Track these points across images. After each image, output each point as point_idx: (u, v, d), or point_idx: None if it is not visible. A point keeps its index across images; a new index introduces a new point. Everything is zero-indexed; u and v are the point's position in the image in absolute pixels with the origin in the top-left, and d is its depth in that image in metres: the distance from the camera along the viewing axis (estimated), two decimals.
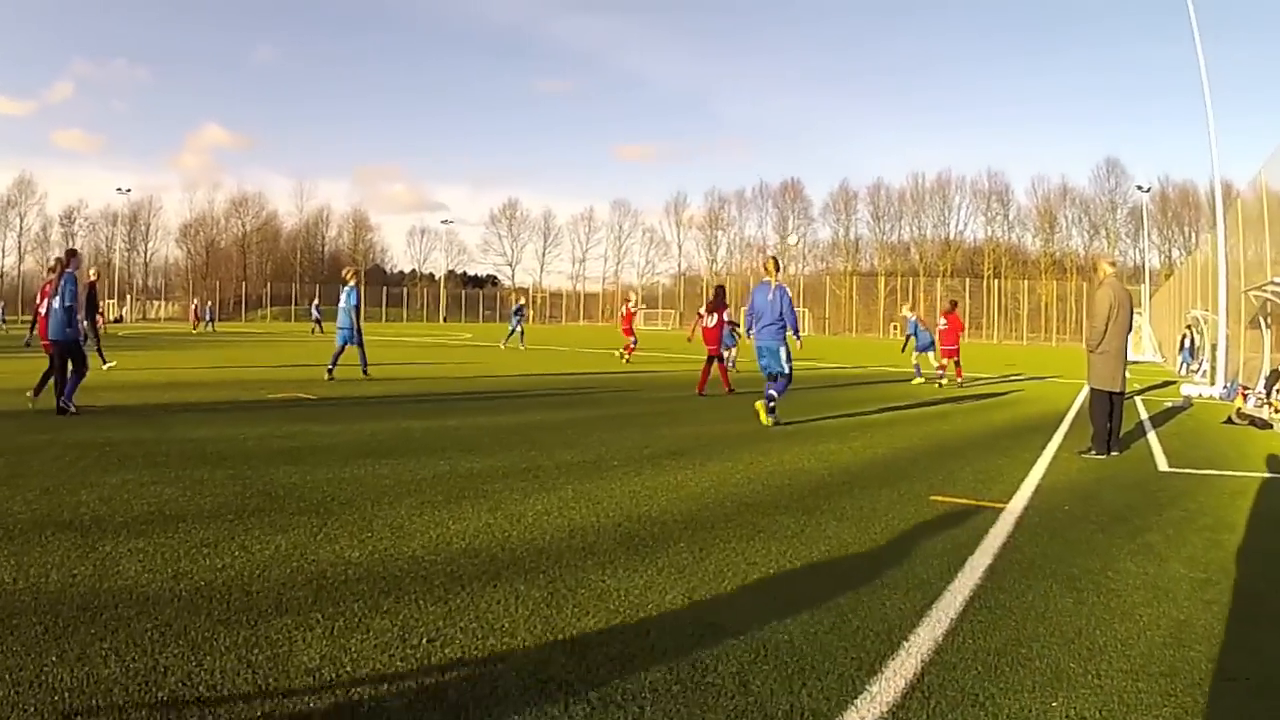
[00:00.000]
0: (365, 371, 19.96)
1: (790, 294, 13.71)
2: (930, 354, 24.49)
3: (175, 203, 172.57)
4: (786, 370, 13.23)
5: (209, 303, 67.71)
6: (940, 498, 8.11)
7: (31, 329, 15.36)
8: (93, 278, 22.41)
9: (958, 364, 24.01)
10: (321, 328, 53.66)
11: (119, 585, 4.86)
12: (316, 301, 60.39)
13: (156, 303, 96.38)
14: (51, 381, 12.67)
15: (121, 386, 16.58)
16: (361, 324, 20.13)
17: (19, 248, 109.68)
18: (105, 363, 20.91)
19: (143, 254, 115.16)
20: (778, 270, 13.64)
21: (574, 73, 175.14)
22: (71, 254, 13.72)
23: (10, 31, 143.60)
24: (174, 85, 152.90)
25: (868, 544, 6.40)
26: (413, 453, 9.64)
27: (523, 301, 42.47)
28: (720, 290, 20.43)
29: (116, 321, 76.96)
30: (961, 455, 11.06)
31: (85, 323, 17.32)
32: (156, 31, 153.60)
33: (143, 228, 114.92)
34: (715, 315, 19.25)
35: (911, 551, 6.16)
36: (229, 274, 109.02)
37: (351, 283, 19.74)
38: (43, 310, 13.25)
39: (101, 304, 22.95)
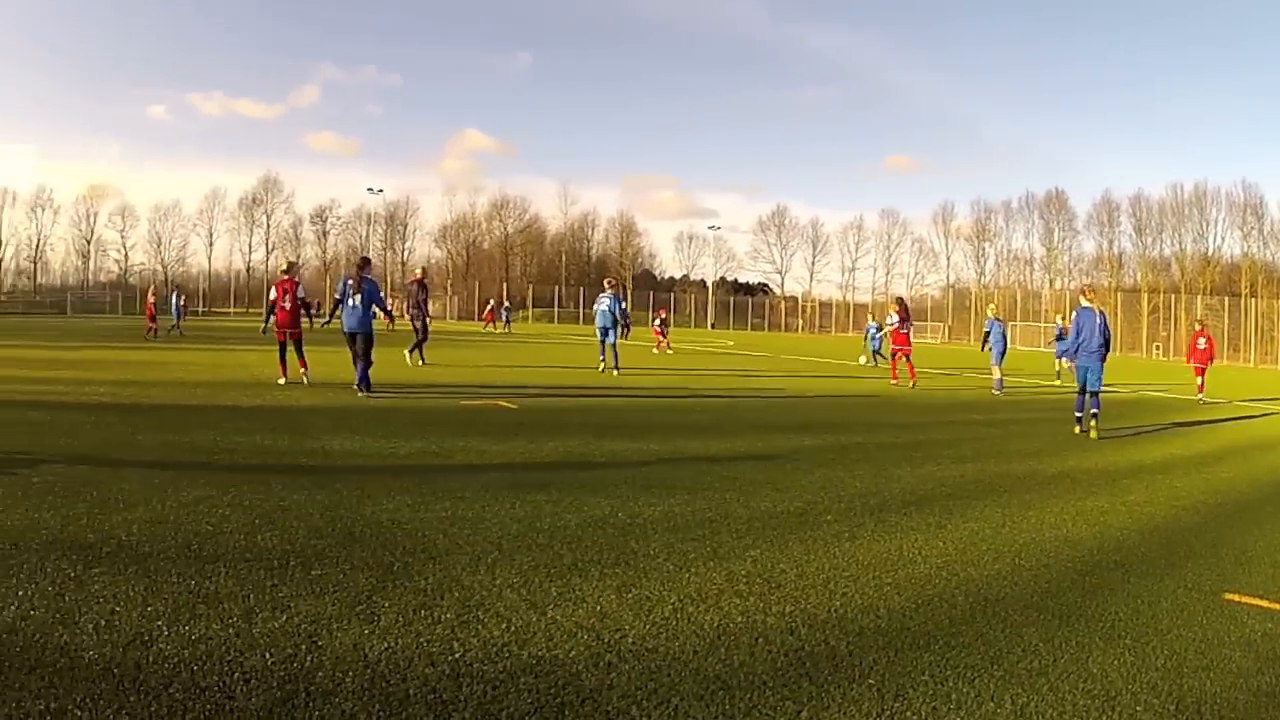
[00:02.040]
0: (617, 369, 23.82)
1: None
2: (999, 364, 24.58)
3: (434, 205, 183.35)
4: (1099, 388, 14.79)
5: (505, 303, 70.09)
6: (1236, 597, 6.27)
7: (267, 319, 17.75)
8: (419, 275, 25.36)
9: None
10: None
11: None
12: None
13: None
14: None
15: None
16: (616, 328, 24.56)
17: (266, 244, 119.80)
18: (421, 361, 23.69)
19: (399, 253, 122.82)
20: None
21: (833, 82, 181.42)
22: (366, 261, 17.69)
23: (257, 39, 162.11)
24: (429, 91, 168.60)
25: (1144, 685, 4.55)
26: (576, 486, 8.59)
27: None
28: (901, 301, 26.90)
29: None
30: (1253, 520, 9.05)
31: (416, 319, 23.74)
32: (407, 40, 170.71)
33: (399, 227, 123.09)
34: (908, 323, 25.48)
35: (1214, 700, 4.40)
36: (490, 275, 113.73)
37: (610, 292, 24.36)
38: (285, 305, 17.37)
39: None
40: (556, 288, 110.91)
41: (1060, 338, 28.87)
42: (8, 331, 39.99)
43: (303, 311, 18.12)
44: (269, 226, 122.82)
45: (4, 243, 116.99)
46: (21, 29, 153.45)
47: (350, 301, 16.68)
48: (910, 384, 24.90)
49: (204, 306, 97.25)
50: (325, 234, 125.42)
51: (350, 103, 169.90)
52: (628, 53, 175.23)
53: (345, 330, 16.63)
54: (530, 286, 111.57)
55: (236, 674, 4.09)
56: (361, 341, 16.36)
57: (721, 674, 4.39)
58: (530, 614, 5.06)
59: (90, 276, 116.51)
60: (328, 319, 18.08)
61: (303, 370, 17.61)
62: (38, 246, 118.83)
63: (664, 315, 44.61)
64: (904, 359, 25.68)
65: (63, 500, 7.17)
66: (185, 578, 5.38)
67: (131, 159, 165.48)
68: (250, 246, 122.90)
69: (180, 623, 4.67)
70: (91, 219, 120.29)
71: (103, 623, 4.64)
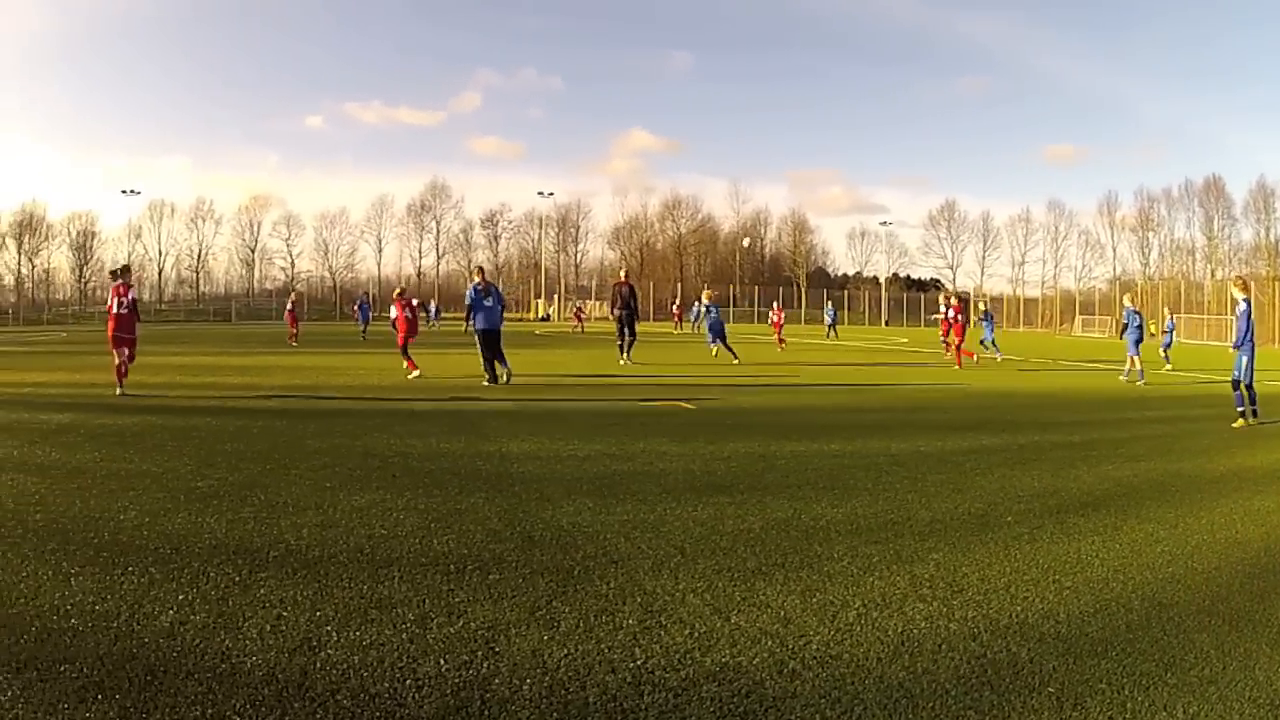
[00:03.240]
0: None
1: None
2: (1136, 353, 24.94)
3: (605, 206, 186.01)
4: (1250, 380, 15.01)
5: (680, 303, 70.75)
6: None
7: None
8: (623, 277, 27.36)
9: None
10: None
11: None
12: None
13: (589, 302, 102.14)
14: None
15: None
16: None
17: (437, 249, 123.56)
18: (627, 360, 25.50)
19: (572, 255, 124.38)
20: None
21: (986, 71, 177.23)
22: (482, 270, 21.24)
23: (413, 48, 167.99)
24: (590, 93, 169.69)
25: None
26: (759, 489, 8.51)
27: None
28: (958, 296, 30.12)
29: (544, 320, 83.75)
30: None
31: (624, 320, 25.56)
32: (564, 43, 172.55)
33: (571, 230, 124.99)
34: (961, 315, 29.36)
35: None
36: (665, 275, 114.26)
37: (706, 301, 29.17)
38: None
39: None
40: (731, 287, 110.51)
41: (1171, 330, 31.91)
42: (171, 339, 41.96)
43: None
44: (439, 232, 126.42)
45: (164, 253, 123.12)
46: (174, 46, 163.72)
47: (486, 303, 19.53)
48: (957, 366, 28.02)
49: (374, 311, 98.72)
50: (496, 238, 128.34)
51: (512, 107, 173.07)
52: (786, 48, 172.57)
53: (481, 328, 19.46)
54: (705, 286, 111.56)
55: (409, 681, 4.12)
56: (496, 338, 19.41)
57: (905, 682, 4.29)
58: (714, 619, 5.01)
59: (255, 284, 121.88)
60: (467, 320, 20.21)
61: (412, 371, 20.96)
62: (199, 256, 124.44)
63: (781, 313, 45.17)
64: (954, 348, 29.39)
65: (228, 505, 7.41)
66: (357, 582, 5.47)
67: (290, 168, 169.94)
68: (420, 252, 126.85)
69: (351, 628, 4.75)
70: (255, 228, 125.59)
71: (268, 627, 4.74)
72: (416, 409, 14.05)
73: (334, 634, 4.65)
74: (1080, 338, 69.24)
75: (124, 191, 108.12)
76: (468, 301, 20.06)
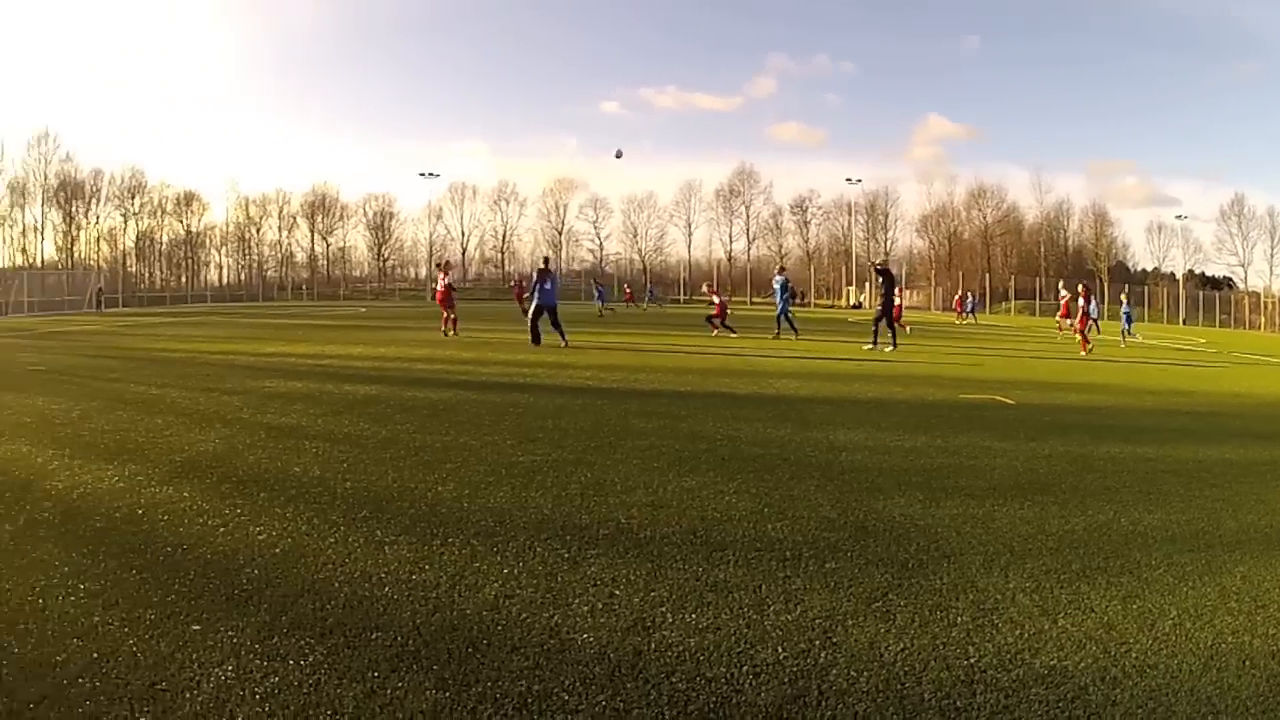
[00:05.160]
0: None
1: None
2: None
3: (912, 193, 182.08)
4: None
5: (970, 294, 69.17)
6: None
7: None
8: (879, 263, 29.09)
9: None
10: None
11: None
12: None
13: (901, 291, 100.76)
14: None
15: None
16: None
17: (747, 233, 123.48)
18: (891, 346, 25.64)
19: (882, 243, 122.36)
20: None
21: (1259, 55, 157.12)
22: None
23: (704, 34, 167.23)
24: (885, 78, 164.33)
25: None
26: (1080, 490, 7.87)
27: None
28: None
29: (855, 307, 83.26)
30: None
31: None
32: (853, 28, 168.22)
33: (880, 217, 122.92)
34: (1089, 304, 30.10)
35: None
36: (973, 266, 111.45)
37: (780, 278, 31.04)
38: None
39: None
40: (1036, 279, 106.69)
41: None
42: (474, 315, 43.39)
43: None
44: (748, 217, 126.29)
45: (466, 233, 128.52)
46: (468, 36, 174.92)
47: (547, 285, 24.20)
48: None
49: (685, 295, 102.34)
50: (806, 224, 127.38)
51: (808, 92, 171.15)
52: (1067, 31, 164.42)
53: (546, 304, 23.97)
54: (1012, 278, 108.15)
55: (746, 667, 3.98)
56: (553, 313, 23.93)
57: (1212, 697, 4.00)
58: (1042, 621, 4.72)
59: (563, 265, 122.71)
60: (530, 297, 24.86)
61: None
62: (504, 237, 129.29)
63: (973, 296, 45.15)
64: (1079, 333, 29.94)
65: (553, 481, 7.37)
66: (691, 564, 5.32)
67: (589, 152, 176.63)
68: (731, 236, 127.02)
69: (686, 610, 4.61)
70: (561, 210, 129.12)
71: (599, 605, 4.64)
72: (738, 393, 13.79)
73: (668, 616, 4.50)
74: None
75: (422, 174, 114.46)
76: (531, 284, 25.08)
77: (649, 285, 78.37)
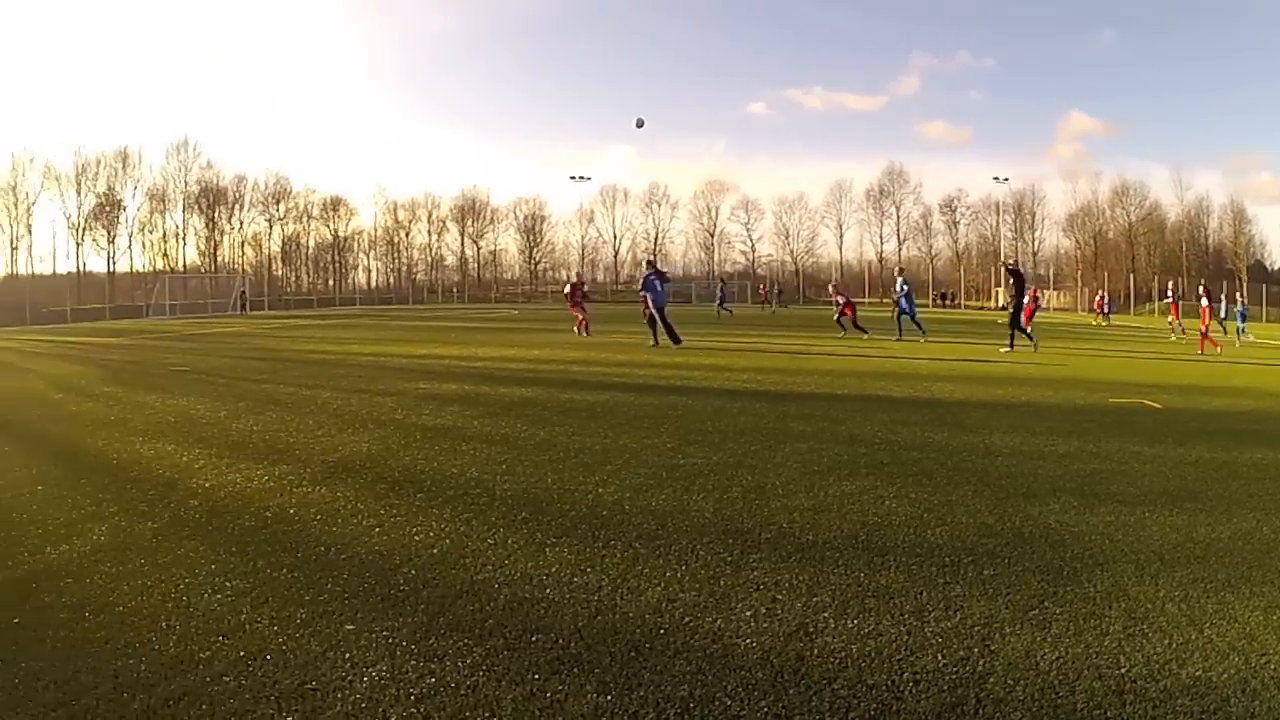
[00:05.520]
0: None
1: None
2: None
3: (1057, 191, 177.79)
4: None
5: (1104, 294, 67.67)
6: None
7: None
8: (1010, 265, 28.84)
9: None
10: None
11: None
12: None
13: (1048, 292, 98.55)
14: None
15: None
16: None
17: (897, 234, 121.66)
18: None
19: (1030, 243, 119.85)
20: None
21: None
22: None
23: (846, 33, 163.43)
24: (1025, 75, 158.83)
25: None
26: (1225, 498, 7.51)
27: None
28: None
29: (1003, 309, 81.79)
30: None
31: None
32: (990, 23, 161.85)
33: (1028, 216, 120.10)
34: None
35: None
36: (1118, 265, 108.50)
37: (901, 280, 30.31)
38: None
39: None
40: (1179, 279, 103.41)
41: None
42: (622, 318, 43.46)
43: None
44: (898, 217, 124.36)
45: (618, 235, 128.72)
46: (614, 41, 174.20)
47: (659, 287, 24.85)
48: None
49: (801, 298, 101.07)
50: (955, 224, 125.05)
51: (951, 90, 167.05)
52: (1194, 16, 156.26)
53: (656, 306, 24.38)
54: (1155, 278, 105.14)
55: (906, 674, 3.94)
56: (664, 314, 24.30)
57: None
58: (1190, 631, 4.59)
59: (715, 267, 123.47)
60: (645, 298, 25.38)
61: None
62: (656, 239, 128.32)
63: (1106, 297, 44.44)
64: (1200, 333, 28.95)
65: (714, 484, 7.33)
66: (852, 569, 5.26)
67: (739, 154, 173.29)
68: (881, 237, 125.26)
69: (848, 616, 4.56)
70: (713, 213, 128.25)
71: (762, 610, 4.59)
72: (894, 396, 13.59)
73: (831, 621, 4.42)
74: None
75: (573, 177, 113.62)
76: (642, 285, 25.94)
77: (775, 286, 77.51)
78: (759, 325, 40.16)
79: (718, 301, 52.57)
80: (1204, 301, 29.63)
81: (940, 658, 4.06)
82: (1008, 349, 23.80)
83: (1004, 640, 4.32)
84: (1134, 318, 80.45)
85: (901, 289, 28.65)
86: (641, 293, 26.61)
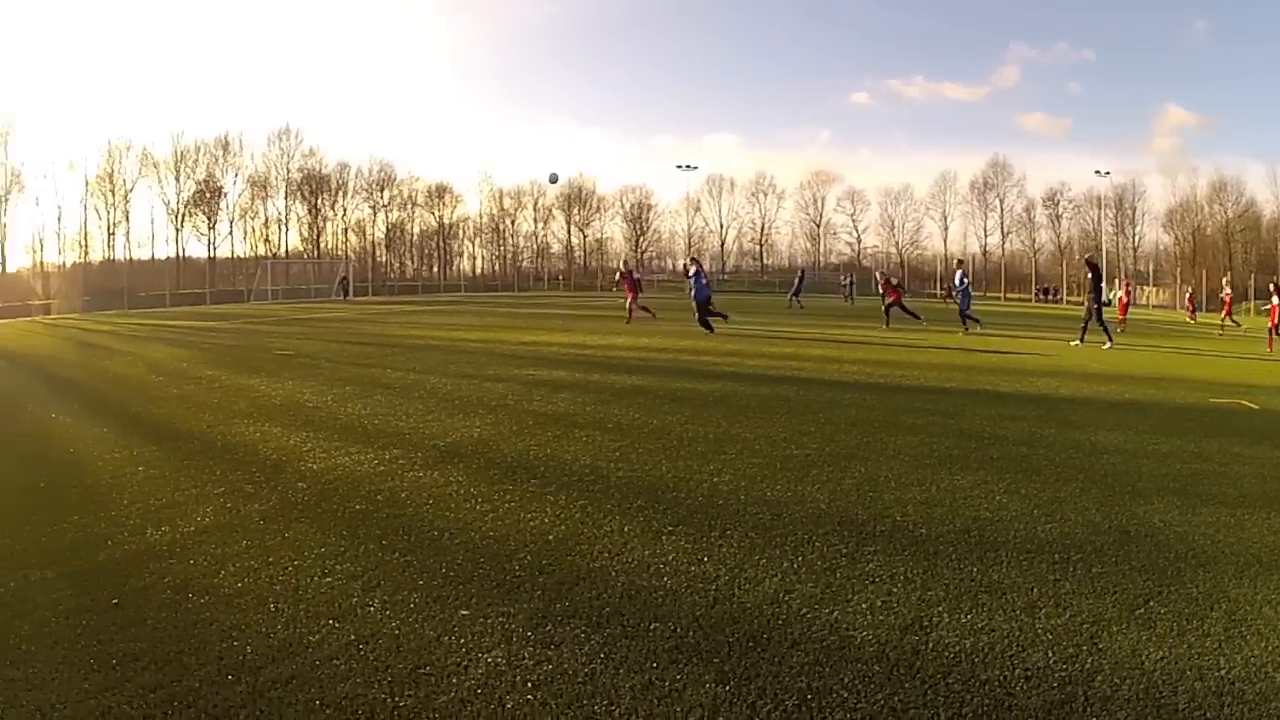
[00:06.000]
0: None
1: None
2: None
3: (1156, 186, 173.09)
4: None
5: (1191, 291, 66.73)
6: None
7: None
8: (1089, 259, 28.03)
9: None
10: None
11: None
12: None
13: (1147, 289, 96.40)
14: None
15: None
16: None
17: (1001, 227, 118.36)
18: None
19: (1130, 238, 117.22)
20: None
21: None
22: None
23: (947, 22, 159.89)
24: (1121, 66, 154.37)
25: None
26: None
27: None
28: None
29: (1106, 305, 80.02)
30: None
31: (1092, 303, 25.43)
32: (1093, 13, 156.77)
33: (1128, 211, 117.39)
34: None
35: None
36: (1215, 264, 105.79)
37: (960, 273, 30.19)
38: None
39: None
40: (1276, 278, 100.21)
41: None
42: (736, 309, 43.40)
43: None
44: (1001, 210, 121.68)
45: (724, 225, 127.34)
46: (716, 31, 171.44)
47: (701, 280, 26.48)
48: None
49: (941, 290, 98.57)
50: (1058, 218, 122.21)
51: (1051, 81, 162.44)
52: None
53: (700, 299, 25.81)
54: (1252, 276, 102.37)
55: (1018, 670, 3.95)
56: (706, 304, 25.82)
57: None
58: None
59: (820, 258, 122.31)
60: (692, 291, 26.97)
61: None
62: (762, 229, 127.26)
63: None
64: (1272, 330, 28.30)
65: (828, 475, 7.35)
66: (965, 564, 5.26)
67: (842, 144, 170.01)
68: (985, 230, 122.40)
69: (961, 611, 4.57)
70: (818, 203, 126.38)
71: (878, 603, 4.61)
72: (1001, 390, 13.45)
73: (944, 615, 4.45)
74: None
75: (679, 167, 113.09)
76: (690, 279, 27.52)
77: (849, 278, 76.26)
78: (839, 317, 39.44)
79: (792, 292, 51.14)
80: (1275, 300, 29.28)
81: (1050, 654, 4.08)
82: (1077, 344, 23.47)
83: (1111, 639, 4.32)
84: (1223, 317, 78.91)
85: (961, 282, 28.22)
86: (690, 285, 27.82)
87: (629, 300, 30.32)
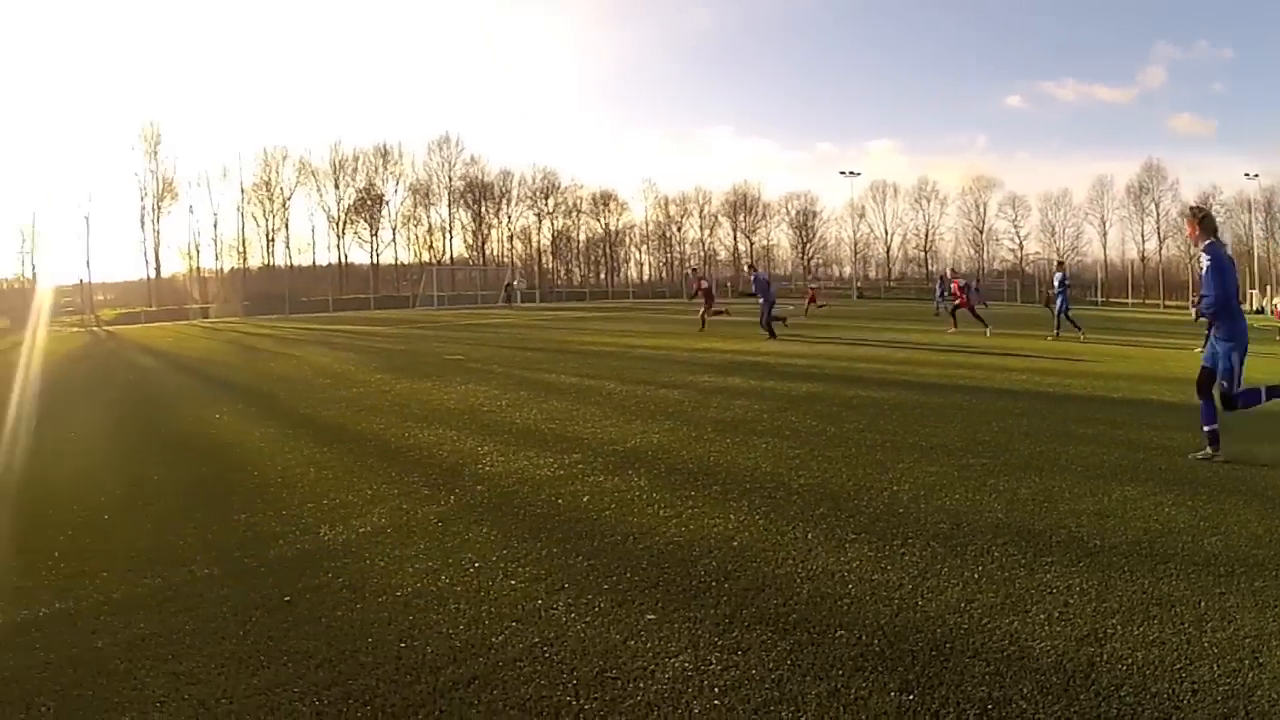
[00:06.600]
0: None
1: None
2: None
3: None
4: None
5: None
6: None
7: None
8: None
9: None
10: None
11: None
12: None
13: None
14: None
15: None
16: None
17: (1158, 232, 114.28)
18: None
19: None
20: None
21: None
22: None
23: (1093, 22, 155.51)
24: (1261, 64, 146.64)
25: None
26: None
27: None
28: None
29: (1258, 313, 76.93)
30: None
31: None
32: (1230, 11, 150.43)
33: (1278, 215, 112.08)
34: None
35: None
36: None
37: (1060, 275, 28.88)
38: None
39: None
40: None
41: None
42: (889, 314, 42.87)
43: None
44: (1158, 214, 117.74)
45: (889, 232, 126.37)
46: (874, 36, 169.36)
47: (769, 288, 27.54)
48: None
49: (1101, 297, 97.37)
50: None
51: (1196, 81, 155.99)
52: None
53: (767, 303, 26.74)
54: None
55: (1185, 684, 3.92)
56: (769, 309, 26.73)
57: None
58: None
59: (984, 264, 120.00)
60: (759, 298, 27.74)
61: None
62: (926, 235, 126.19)
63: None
64: None
65: (1005, 484, 7.38)
66: (1137, 576, 5.24)
67: (999, 149, 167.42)
68: (1143, 235, 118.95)
69: (1133, 624, 4.54)
70: (980, 209, 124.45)
71: (1055, 614, 4.63)
72: (1166, 400, 13.05)
73: (1119, 628, 4.44)
74: None
75: (843, 173, 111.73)
76: (754, 286, 28.25)
77: (975, 283, 74.04)
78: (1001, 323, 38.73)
79: (937, 296, 48.43)
80: None
81: (1215, 668, 4.04)
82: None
83: (1271, 654, 4.25)
84: None
85: (1061, 284, 27.28)
86: (756, 294, 28.25)
87: (704, 310, 30.35)
